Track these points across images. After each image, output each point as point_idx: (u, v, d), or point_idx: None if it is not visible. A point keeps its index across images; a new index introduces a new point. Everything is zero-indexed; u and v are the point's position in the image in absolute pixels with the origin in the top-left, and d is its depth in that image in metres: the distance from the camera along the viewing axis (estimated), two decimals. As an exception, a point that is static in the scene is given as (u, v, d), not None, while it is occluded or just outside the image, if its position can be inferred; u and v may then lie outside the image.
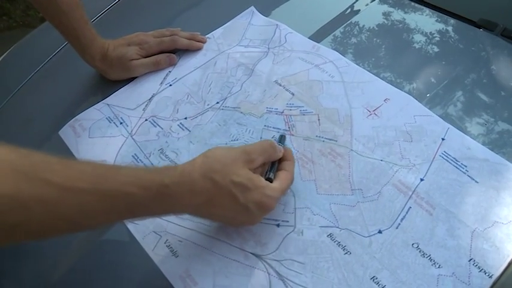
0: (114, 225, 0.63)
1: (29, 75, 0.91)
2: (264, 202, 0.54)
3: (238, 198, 0.52)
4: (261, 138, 0.70)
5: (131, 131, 0.74)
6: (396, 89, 0.73)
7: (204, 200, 0.52)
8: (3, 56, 0.99)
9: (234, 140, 0.70)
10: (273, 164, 0.60)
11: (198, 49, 0.86)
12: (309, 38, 0.84)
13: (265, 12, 0.91)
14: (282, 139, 0.67)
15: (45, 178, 0.42)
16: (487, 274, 0.53)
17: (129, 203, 0.48)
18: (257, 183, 0.54)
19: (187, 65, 0.84)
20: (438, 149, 0.65)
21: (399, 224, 0.59)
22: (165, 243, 0.60)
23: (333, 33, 0.85)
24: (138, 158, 0.70)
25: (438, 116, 0.69)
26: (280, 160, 0.62)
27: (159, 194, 0.49)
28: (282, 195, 0.58)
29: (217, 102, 0.76)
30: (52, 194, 0.43)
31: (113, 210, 0.48)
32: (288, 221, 0.60)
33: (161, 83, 0.81)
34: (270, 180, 0.57)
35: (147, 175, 0.50)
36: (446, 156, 0.64)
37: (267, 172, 0.59)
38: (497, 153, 0.64)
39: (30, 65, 0.93)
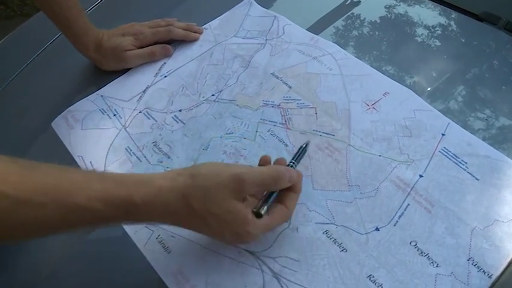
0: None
1: (23, 65, 0.89)
2: (241, 236, 0.50)
3: (212, 227, 0.49)
4: (256, 131, 0.68)
5: (125, 123, 0.73)
6: (396, 82, 0.72)
7: (175, 220, 0.50)
8: (-3, 45, 0.97)
9: (229, 133, 0.69)
10: (271, 195, 0.53)
11: (194, 40, 0.85)
12: (307, 29, 0.83)
13: (263, 3, 0.90)
14: (302, 151, 0.60)
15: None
16: (486, 274, 0.52)
17: (92, 219, 0.46)
18: (239, 216, 0.49)
19: (183, 57, 0.82)
20: (438, 145, 0.64)
21: (397, 221, 0.57)
22: (157, 238, 0.59)
23: (332, 25, 0.84)
24: (131, 150, 0.69)
25: (439, 110, 0.68)
26: (285, 189, 0.54)
27: (126, 212, 0.46)
28: (267, 231, 0.54)
29: (213, 95, 0.74)
30: (6, 206, 0.41)
31: (74, 224, 0.46)
32: (283, 217, 0.59)
33: (156, 75, 0.80)
34: (259, 215, 0.51)
35: (116, 190, 0.46)
36: (446, 152, 0.63)
37: (259, 203, 0.52)
38: (497, 149, 0.63)
39: (24, 54, 0.91)
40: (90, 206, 0.44)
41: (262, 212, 0.51)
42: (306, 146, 0.60)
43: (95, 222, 0.47)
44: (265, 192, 0.53)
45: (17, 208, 0.42)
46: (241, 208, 0.49)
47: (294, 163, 0.57)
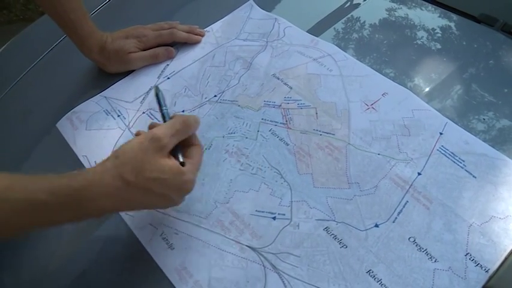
0: (110, 218, 0.63)
1: (27, 67, 0.90)
2: (183, 188, 0.54)
3: (154, 191, 0.51)
4: (258, 131, 0.69)
5: (128, 124, 0.74)
6: (394, 83, 0.73)
7: (119, 200, 0.51)
8: (1, 48, 0.98)
9: (231, 133, 0.70)
10: (176, 146, 0.57)
11: (197, 42, 0.86)
12: (307, 32, 0.84)
13: (264, 5, 0.91)
14: (157, 91, 0.63)
15: None
16: (483, 268, 0.53)
17: (39, 211, 0.47)
18: (174, 170, 0.52)
19: (186, 58, 0.83)
20: (436, 143, 0.65)
21: (396, 218, 0.58)
22: (161, 235, 0.60)
23: (332, 27, 0.85)
24: (135, 150, 0.70)
25: (436, 110, 0.69)
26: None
27: (69, 199, 0.48)
28: (197, 171, 0.57)
29: (215, 96, 0.76)
30: None
31: (23, 219, 0.47)
32: (284, 214, 0.60)
33: (159, 76, 0.81)
34: (182, 164, 0.55)
35: (57, 181, 0.48)
36: (444, 151, 0.64)
37: (175, 156, 0.56)
38: (493, 147, 0.64)
39: (27, 58, 0.92)
40: (34, 197, 0.46)
41: (182, 160, 0.55)
42: (156, 91, 0.63)
43: (43, 215, 0.48)
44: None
45: None
46: (171, 162, 0.52)
47: (165, 109, 0.61)
